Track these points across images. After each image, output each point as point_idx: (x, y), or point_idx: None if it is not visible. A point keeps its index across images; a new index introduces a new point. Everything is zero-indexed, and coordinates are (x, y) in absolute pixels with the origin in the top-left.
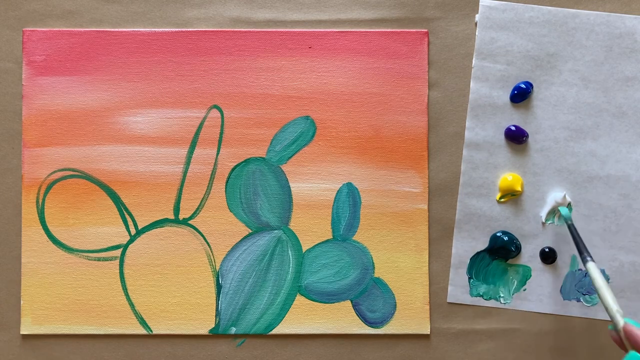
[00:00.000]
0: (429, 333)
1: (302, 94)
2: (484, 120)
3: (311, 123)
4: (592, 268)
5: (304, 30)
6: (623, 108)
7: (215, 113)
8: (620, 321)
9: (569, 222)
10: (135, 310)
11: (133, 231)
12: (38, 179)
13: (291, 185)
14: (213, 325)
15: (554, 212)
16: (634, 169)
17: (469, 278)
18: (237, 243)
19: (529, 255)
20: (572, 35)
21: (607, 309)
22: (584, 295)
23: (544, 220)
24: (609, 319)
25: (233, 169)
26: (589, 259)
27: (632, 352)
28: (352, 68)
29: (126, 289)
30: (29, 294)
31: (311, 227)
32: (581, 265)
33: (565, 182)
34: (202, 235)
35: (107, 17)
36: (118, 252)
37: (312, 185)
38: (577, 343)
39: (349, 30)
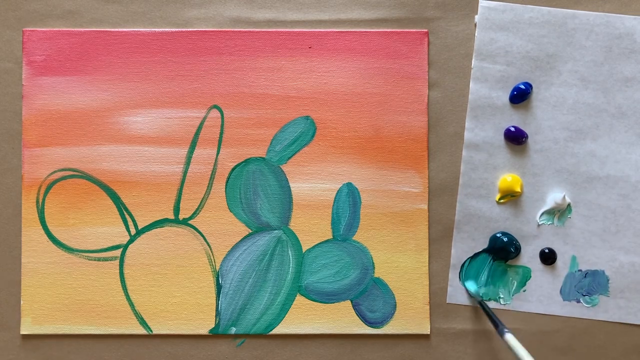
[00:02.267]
0: (429, 333)
1: (302, 94)
2: (484, 121)
3: (311, 123)
4: (511, 339)
5: (304, 30)
6: (622, 108)
7: (215, 113)
8: None
9: (479, 298)
10: (135, 310)
11: (133, 231)
12: (38, 179)
13: (291, 185)
14: (213, 325)
15: (550, 212)
16: (634, 170)
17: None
18: (237, 243)
19: (529, 256)
20: (572, 35)
21: None
22: (584, 296)
23: (538, 221)
24: (610, 319)
25: (233, 169)
26: (505, 330)
27: None
28: (352, 68)
29: (126, 289)
30: (29, 294)
31: (311, 227)
32: (581, 266)
33: (564, 182)
34: (202, 235)
35: (107, 17)
36: (118, 252)
37: (312, 185)
38: (577, 343)
39: (349, 30)
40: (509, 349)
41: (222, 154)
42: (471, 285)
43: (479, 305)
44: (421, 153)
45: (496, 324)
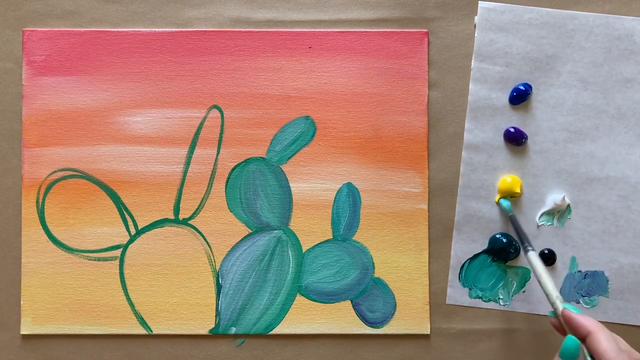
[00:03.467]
0: (429, 333)
1: (302, 94)
2: (483, 122)
3: (311, 123)
4: (533, 257)
5: (304, 30)
6: (622, 109)
7: (215, 113)
8: (560, 307)
9: (511, 214)
10: (135, 310)
11: (133, 231)
12: (38, 179)
13: (291, 185)
14: (213, 325)
15: (550, 213)
16: (633, 171)
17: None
18: (237, 243)
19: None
20: (571, 36)
21: (547, 296)
22: (583, 297)
23: (538, 222)
24: (609, 320)
25: (233, 169)
26: (529, 248)
27: (569, 336)
28: (352, 68)
29: (126, 289)
30: (29, 294)
31: (311, 227)
32: (580, 267)
33: (564, 183)
34: (202, 235)
35: (107, 17)
36: (118, 252)
37: (312, 185)
38: None
39: (349, 30)
40: (530, 266)
41: (222, 154)
42: (504, 201)
43: (510, 221)
44: (421, 153)
45: (522, 240)
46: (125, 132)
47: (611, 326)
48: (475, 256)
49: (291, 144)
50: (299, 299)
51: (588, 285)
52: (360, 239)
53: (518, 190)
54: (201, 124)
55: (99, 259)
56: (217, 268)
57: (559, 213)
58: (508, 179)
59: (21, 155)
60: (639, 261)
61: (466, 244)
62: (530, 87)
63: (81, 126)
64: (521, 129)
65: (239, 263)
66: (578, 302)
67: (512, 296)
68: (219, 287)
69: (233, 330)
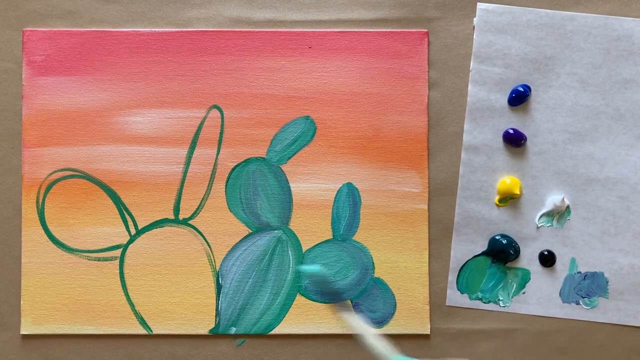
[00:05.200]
0: (429, 333)
1: (302, 94)
2: (482, 124)
3: (311, 123)
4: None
5: (304, 30)
6: (621, 110)
7: (215, 113)
8: None
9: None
10: (135, 310)
11: (133, 231)
12: (38, 179)
13: (291, 185)
14: (213, 325)
15: (549, 214)
16: (633, 172)
17: None
18: (237, 243)
19: (528, 259)
20: (570, 38)
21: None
22: (583, 298)
23: (537, 223)
24: (609, 321)
25: (233, 169)
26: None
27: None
28: (352, 68)
29: (126, 289)
30: (29, 294)
31: (311, 227)
32: (580, 268)
33: (563, 185)
34: (202, 235)
35: (107, 17)
36: (118, 252)
37: (312, 185)
38: (577, 343)
39: (349, 30)
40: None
41: (222, 154)
42: (311, 268)
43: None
44: (421, 153)
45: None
46: (125, 132)
47: (611, 327)
48: (475, 257)
49: (291, 144)
50: (299, 299)
51: (588, 286)
52: (360, 239)
53: (517, 192)
54: (201, 124)
55: (99, 259)
56: (217, 268)
57: (559, 214)
58: (507, 181)
59: (21, 155)
60: (638, 262)
61: (466, 246)
62: (529, 88)
63: (81, 126)
64: (520, 130)
65: (239, 263)
66: (578, 303)
67: (511, 297)
68: (219, 287)
69: (233, 330)
